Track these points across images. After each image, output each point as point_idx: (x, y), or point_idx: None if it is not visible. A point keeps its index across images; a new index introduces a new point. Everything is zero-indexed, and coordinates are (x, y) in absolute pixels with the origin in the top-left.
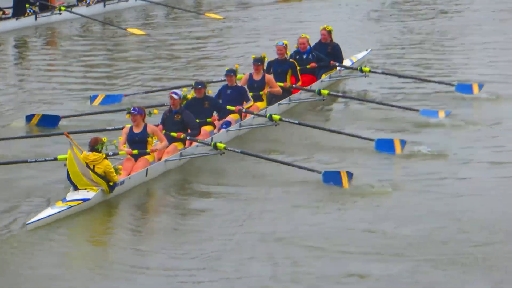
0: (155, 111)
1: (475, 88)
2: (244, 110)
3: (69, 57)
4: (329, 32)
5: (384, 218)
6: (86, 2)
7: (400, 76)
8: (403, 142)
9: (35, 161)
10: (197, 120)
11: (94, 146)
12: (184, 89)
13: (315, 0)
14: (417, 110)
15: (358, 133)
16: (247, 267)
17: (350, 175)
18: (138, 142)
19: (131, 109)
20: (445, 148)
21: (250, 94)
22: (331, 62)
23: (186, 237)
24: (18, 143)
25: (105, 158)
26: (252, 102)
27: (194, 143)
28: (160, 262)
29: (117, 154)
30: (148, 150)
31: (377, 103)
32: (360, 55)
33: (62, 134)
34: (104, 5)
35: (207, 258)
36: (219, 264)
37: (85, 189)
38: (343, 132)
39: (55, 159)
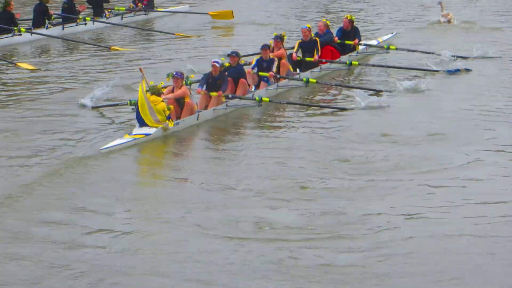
0: (192, 75)
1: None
2: (279, 76)
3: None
4: (351, 20)
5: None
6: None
7: (423, 52)
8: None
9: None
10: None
11: (153, 90)
12: (222, 58)
13: None
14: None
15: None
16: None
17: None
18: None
19: (174, 73)
20: None
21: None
22: (355, 41)
23: (223, 168)
24: None
25: (162, 101)
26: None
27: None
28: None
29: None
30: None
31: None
32: (385, 37)
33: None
34: (63, 28)
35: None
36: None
37: (148, 126)
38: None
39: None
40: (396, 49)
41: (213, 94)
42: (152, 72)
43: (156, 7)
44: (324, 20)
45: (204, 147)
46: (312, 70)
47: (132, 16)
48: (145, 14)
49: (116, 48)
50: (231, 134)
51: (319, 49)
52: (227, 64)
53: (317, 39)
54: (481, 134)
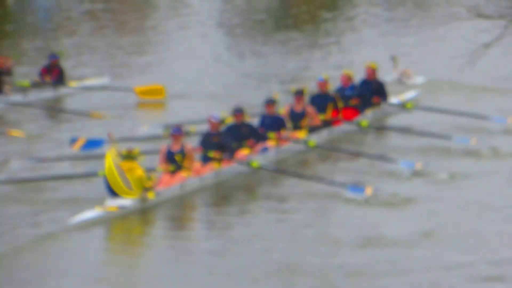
0: (192, 129)
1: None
2: (283, 137)
3: None
4: (374, 70)
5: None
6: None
7: (447, 113)
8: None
9: (79, 176)
10: (233, 145)
11: (129, 154)
12: (223, 112)
13: None
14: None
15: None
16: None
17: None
18: (175, 160)
19: (172, 129)
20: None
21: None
22: (375, 98)
23: (210, 245)
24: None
25: (139, 168)
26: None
27: (231, 164)
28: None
29: (154, 169)
30: (183, 165)
31: (418, 133)
32: (408, 95)
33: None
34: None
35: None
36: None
37: (123, 196)
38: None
39: (97, 174)
40: (415, 107)
41: (211, 154)
42: None
43: (68, 81)
44: (347, 72)
45: (186, 224)
46: (320, 132)
47: (39, 92)
48: (54, 89)
49: (15, 132)
50: (220, 209)
51: (339, 108)
52: (227, 119)
53: (336, 96)
54: None
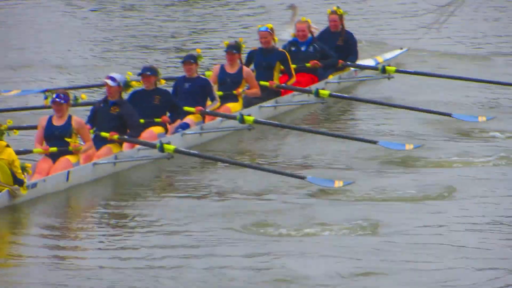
0: (83, 95)
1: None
2: (207, 111)
3: None
4: (341, 16)
5: None
6: None
7: (441, 77)
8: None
9: None
10: (141, 121)
11: None
12: (129, 73)
13: None
14: (448, 114)
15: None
16: None
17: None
18: (59, 139)
19: (54, 95)
20: None
21: (218, 93)
22: (340, 61)
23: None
24: None
25: (8, 146)
26: (218, 103)
27: (136, 146)
28: None
29: (30, 151)
30: (70, 148)
31: (401, 107)
32: (389, 55)
33: None
34: None
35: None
36: None
37: None
38: (341, 135)
39: None
40: (397, 71)
41: (105, 134)
42: None
43: None
44: (304, 18)
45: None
46: (262, 105)
47: None
48: None
49: None
50: (116, 208)
51: (292, 70)
52: (134, 84)
53: (286, 53)
54: None
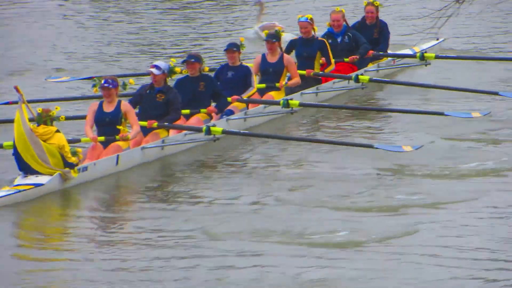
0: (131, 81)
1: None
2: (244, 98)
3: None
4: (377, 8)
5: None
6: None
7: (483, 59)
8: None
9: None
10: (187, 111)
11: (42, 118)
12: (173, 59)
13: None
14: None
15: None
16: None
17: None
18: (109, 125)
19: (103, 81)
20: None
21: (260, 85)
22: (371, 51)
23: (153, 248)
24: None
25: (58, 131)
26: (254, 89)
27: (182, 131)
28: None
29: (78, 140)
30: (117, 137)
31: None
32: (425, 46)
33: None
34: None
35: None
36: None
37: (37, 173)
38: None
39: (1, 146)
40: (436, 57)
41: (143, 123)
42: None
43: None
44: (338, 8)
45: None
46: (304, 91)
47: None
48: None
49: None
50: (166, 189)
51: (331, 57)
52: (179, 70)
53: (325, 41)
54: None
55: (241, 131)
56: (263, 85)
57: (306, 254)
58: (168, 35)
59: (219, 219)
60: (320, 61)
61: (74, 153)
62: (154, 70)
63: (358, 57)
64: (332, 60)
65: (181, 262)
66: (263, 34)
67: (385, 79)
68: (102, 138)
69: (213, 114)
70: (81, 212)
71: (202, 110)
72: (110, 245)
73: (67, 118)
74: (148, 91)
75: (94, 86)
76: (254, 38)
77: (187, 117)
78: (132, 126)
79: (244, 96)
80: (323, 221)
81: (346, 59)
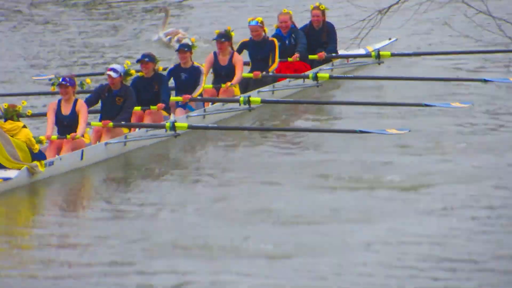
0: (88, 80)
1: None
2: (206, 97)
3: None
4: (323, 12)
5: None
6: None
7: (441, 53)
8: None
9: None
10: (138, 108)
11: (9, 113)
12: (127, 62)
13: None
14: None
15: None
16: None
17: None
18: (68, 126)
19: (61, 79)
20: None
21: (208, 86)
22: (322, 53)
23: (119, 232)
24: None
25: (24, 126)
26: (201, 88)
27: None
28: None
29: (40, 141)
30: (68, 136)
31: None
32: (378, 45)
33: None
34: None
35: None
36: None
37: (5, 167)
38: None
39: None
40: (392, 55)
41: (96, 124)
42: None
43: None
44: (286, 10)
45: (85, 202)
46: (260, 89)
47: None
48: None
49: None
50: (130, 183)
51: (276, 57)
52: (134, 73)
53: (275, 41)
54: None
55: (209, 125)
56: (210, 86)
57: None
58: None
59: (166, 227)
60: (290, 59)
61: (39, 141)
62: (111, 73)
63: (298, 55)
64: (277, 60)
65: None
66: (168, 40)
67: (346, 75)
68: (55, 137)
69: (172, 108)
70: (47, 206)
71: (152, 106)
72: (72, 240)
73: (33, 115)
74: (106, 94)
75: (52, 84)
76: (166, 41)
77: (140, 113)
78: (79, 124)
79: (194, 95)
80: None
81: (289, 58)
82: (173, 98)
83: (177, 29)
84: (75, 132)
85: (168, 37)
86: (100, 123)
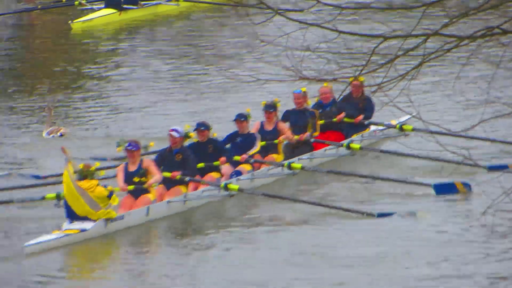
0: (151, 143)
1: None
2: (252, 160)
3: None
4: (362, 83)
5: None
6: None
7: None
8: (467, 185)
9: (22, 201)
10: (202, 164)
11: (84, 173)
12: (187, 125)
13: None
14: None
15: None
16: None
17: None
18: (136, 182)
19: (127, 144)
20: None
21: (261, 143)
22: (359, 117)
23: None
24: None
25: (98, 185)
26: (257, 148)
27: (201, 187)
28: None
29: (112, 193)
30: (145, 186)
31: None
32: (401, 119)
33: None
34: None
35: None
36: None
37: (83, 219)
38: (395, 179)
39: (43, 198)
40: (414, 129)
41: (166, 174)
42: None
43: None
44: (326, 84)
45: (154, 252)
46: (300, 157)
47: None
48: None
49: None
50: (192, 239)
51: (317, 125)
52: (192, 135)
53: (316, 112)
54: None
55: (257, 191)
56: (263, 143)
57: None
58: None
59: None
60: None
61: (111, 195)
62: (174, 133)
63: (343, 115)
64: (318, 129)
65: None
66: (52, 137)
67: (374, 148)
68: (131, 187)
69: (223, 166)
70: (118, 255)
71: (215, 163)
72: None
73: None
74: (167, 154)
75: (118, 145)
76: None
77: (203, 171)
78: (153, 176)
79: (250, 153)
80: None
81: (334, 119)
82: (235, 157)
83: (59, 127)
84: (145, 189)
85: (52, 135)
86: (169, 173)
